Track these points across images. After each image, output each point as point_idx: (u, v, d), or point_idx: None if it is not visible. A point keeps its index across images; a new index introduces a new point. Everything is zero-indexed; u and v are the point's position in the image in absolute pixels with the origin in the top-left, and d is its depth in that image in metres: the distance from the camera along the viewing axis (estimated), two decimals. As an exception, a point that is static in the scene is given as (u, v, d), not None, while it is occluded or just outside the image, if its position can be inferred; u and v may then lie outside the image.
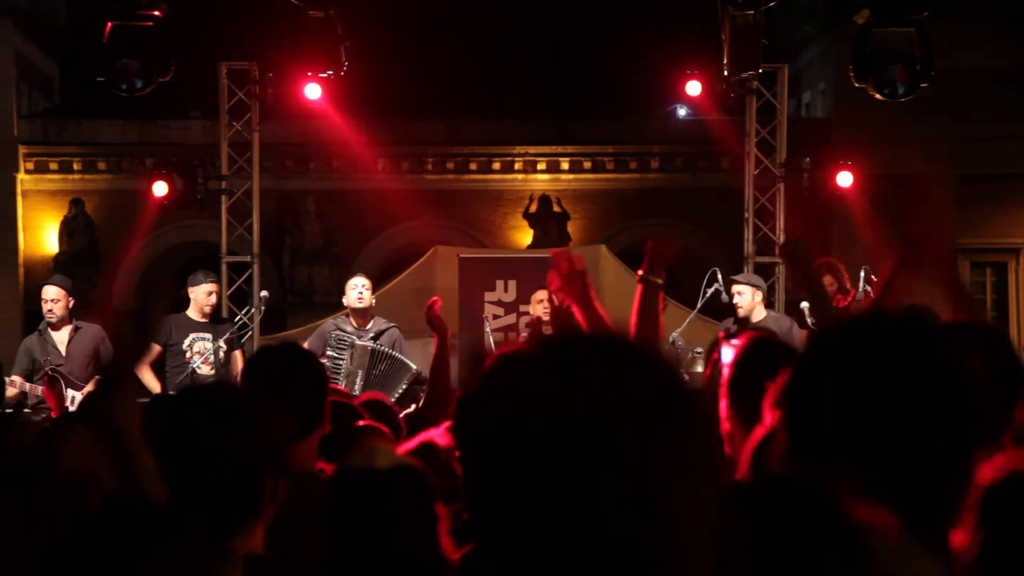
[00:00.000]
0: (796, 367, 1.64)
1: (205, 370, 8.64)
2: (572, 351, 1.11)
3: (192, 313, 8.85)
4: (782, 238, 12.73)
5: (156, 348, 8.74)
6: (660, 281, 3.53)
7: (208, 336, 8.79)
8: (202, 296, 8.84)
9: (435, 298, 5.13)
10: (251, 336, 10.88)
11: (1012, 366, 2.67)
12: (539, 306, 9.12)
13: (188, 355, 8.73)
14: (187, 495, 2.12)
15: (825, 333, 1.75)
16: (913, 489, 1.51)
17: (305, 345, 8.75)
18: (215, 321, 8.97)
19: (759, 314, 8.49)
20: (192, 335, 8.77)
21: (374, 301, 9.03)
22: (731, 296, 8.66)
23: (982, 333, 2.74)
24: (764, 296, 8.67)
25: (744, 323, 8.33)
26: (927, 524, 1.51)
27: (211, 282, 8.99)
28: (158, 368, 8.80)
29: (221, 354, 8.70)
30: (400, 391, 8.58)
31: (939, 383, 1.56)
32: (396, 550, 2.48)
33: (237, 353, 8.99)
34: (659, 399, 1.08)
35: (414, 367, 8.69)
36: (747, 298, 8.50)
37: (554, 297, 3.59)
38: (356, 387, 8.50)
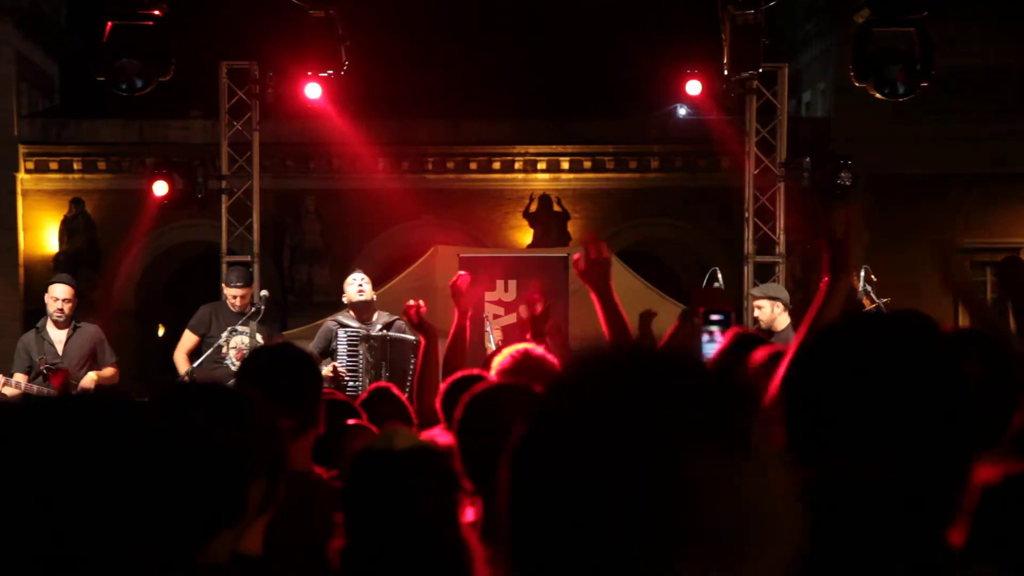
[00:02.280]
0: (797, 364, 1.64)
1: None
2: (622, 369, 1.11)
3: (230, 304, 8.94)
4: (782, 238, 12.74)
5: (194, 338, 8.78)
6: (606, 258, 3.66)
7: (245, 331, 8.78)
8: (229, 298, 8.94)
9: (420, 303, 4.94)
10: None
11: (1010, 375, 2.68)
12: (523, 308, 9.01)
13: (224, 350, 8.73)
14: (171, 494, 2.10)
15: (825, 331, 1.75)
16: (910, 488, 1.51)
17: (310, 346, 8.71)
18: (255, 317, 8.91)
19: (781, 324, 8.37)
20: (229, 328, 8.77)
21: (375, 296, 8.97)
22: (751, 310, 8.60)
23: (982, 341, 2.76)
24: (785, 306, 8.52)
25: (767, 335, 8.27)
26: (924, 523, 1.51)
27: (237, 287, 8.96)
28: (193, 358, 8.79)
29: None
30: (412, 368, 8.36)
31: (938, 381, 1.56)
32: (416, 530, 2.48)
33: None
34: (706, 409, 1.09)
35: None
36: (767, 311, 8.42)
37: (523, 309, 3.74)
38: (384, 379, 8.36)
